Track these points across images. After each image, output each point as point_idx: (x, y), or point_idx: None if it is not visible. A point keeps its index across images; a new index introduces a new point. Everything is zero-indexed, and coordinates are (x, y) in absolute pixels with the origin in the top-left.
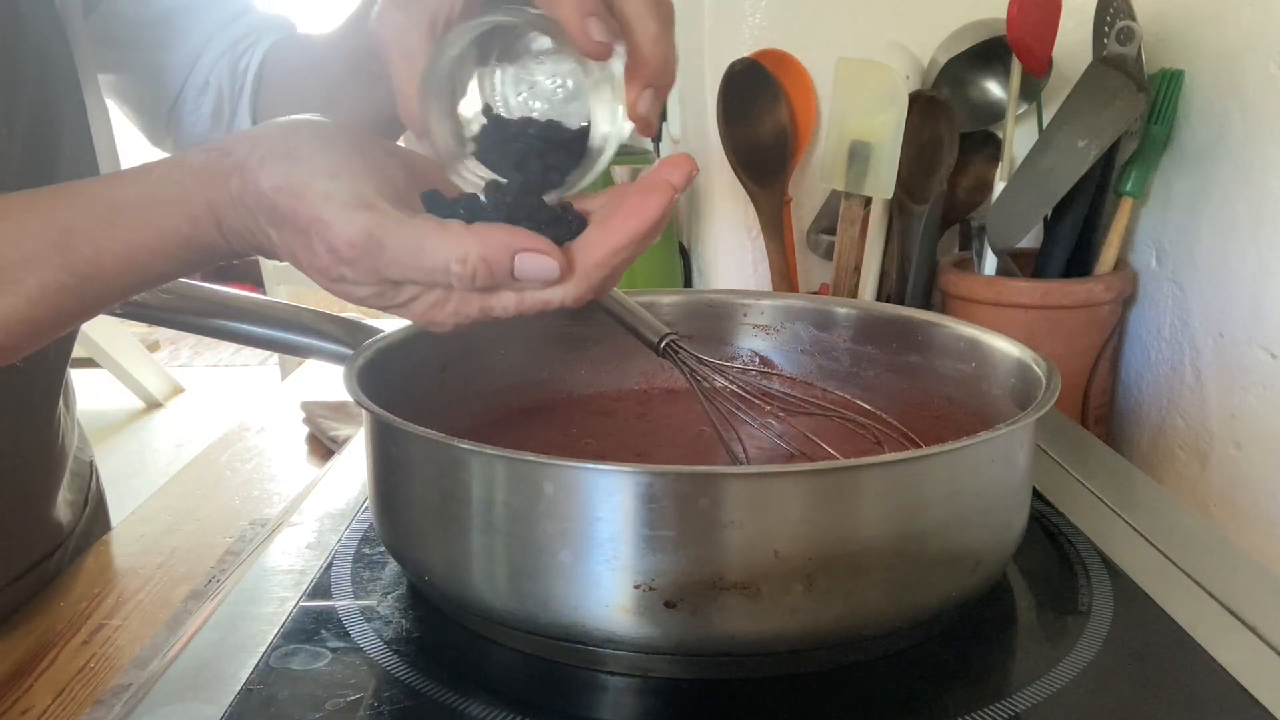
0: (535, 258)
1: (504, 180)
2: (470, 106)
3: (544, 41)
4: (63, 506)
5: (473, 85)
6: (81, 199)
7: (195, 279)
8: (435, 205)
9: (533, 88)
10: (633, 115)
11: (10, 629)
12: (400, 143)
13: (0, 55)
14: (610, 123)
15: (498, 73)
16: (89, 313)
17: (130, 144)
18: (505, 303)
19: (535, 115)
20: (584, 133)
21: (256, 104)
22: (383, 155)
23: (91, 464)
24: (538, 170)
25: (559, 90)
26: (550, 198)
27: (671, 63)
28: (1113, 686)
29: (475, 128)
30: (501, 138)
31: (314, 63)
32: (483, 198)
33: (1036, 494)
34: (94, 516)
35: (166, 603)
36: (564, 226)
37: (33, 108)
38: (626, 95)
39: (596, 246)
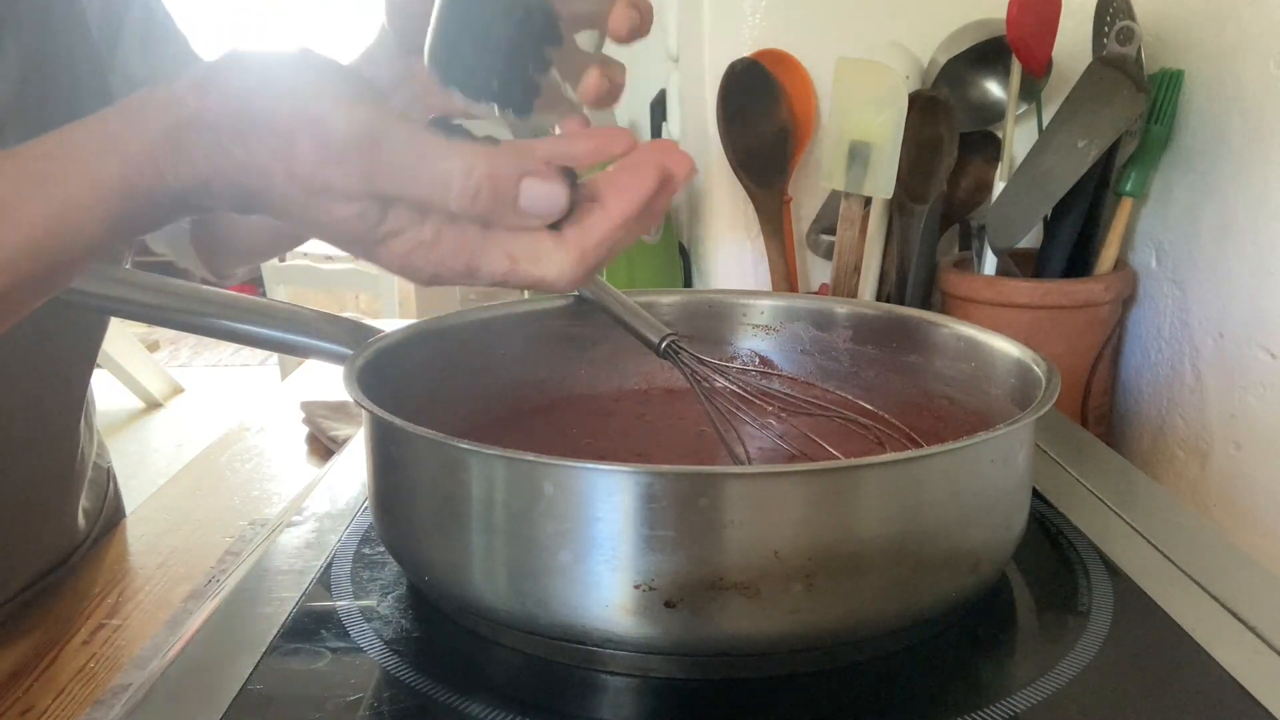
0: (545, 185)
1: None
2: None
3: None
4: (80, 514)
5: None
6: (12, 163)
7: (192, 279)
8: (441, 127)
9: None
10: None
11: (11, 629)
12: None
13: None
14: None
15: None
16: (27, 296)
17: None
18: (495, 265)
19: None
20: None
21: None
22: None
23: (109, 470)
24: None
25: None
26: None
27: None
28: (1113, 686)
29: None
30: None
31: None
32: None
33: (1036, 494)
34: (110, 521)
35: (166, 603)
36: (573, 184)
37: (64, 107)
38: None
39: (596, 227)
